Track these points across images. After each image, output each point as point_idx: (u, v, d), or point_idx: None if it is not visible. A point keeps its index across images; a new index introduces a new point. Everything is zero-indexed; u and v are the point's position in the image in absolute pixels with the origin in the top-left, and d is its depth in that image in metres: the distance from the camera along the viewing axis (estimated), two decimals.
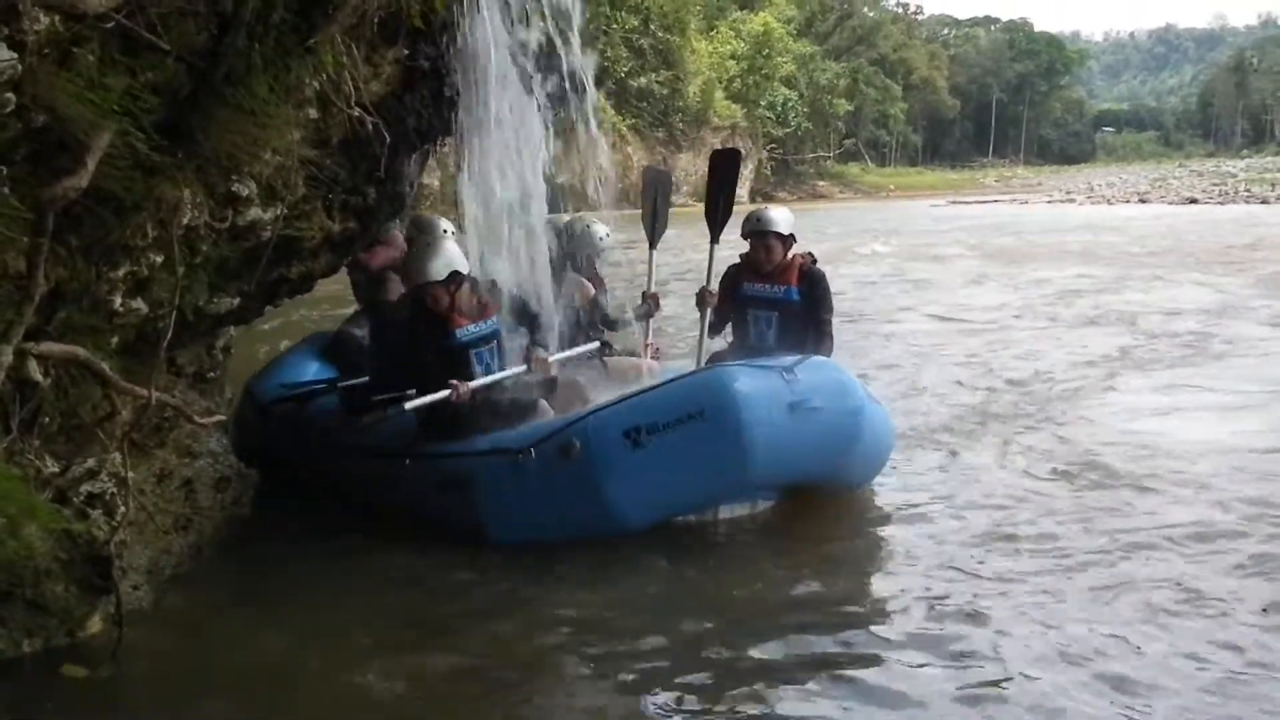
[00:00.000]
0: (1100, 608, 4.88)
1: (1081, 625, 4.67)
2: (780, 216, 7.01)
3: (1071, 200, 60.63)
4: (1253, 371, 10.35)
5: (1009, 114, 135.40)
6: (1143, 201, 56.56)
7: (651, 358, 6.99)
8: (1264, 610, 4.78)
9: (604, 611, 4.96)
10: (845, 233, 32.72)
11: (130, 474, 4.49)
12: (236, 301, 5.34)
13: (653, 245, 7.47)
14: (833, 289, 7.06)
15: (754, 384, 5.54)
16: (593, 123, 6.54)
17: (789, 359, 5.93)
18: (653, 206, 7.46)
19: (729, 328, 7.22)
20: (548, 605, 5.06)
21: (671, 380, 5.90)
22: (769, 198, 67.97)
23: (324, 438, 6.59)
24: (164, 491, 5.40)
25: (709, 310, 6.99)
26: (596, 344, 6.81)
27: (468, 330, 6.20)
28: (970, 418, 8.67)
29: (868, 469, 6.43)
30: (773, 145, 74.17)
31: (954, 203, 62.22)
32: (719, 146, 62.39)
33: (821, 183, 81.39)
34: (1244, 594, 4.98)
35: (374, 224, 6.36)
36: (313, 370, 7.36)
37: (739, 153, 7.90)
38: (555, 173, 6.50)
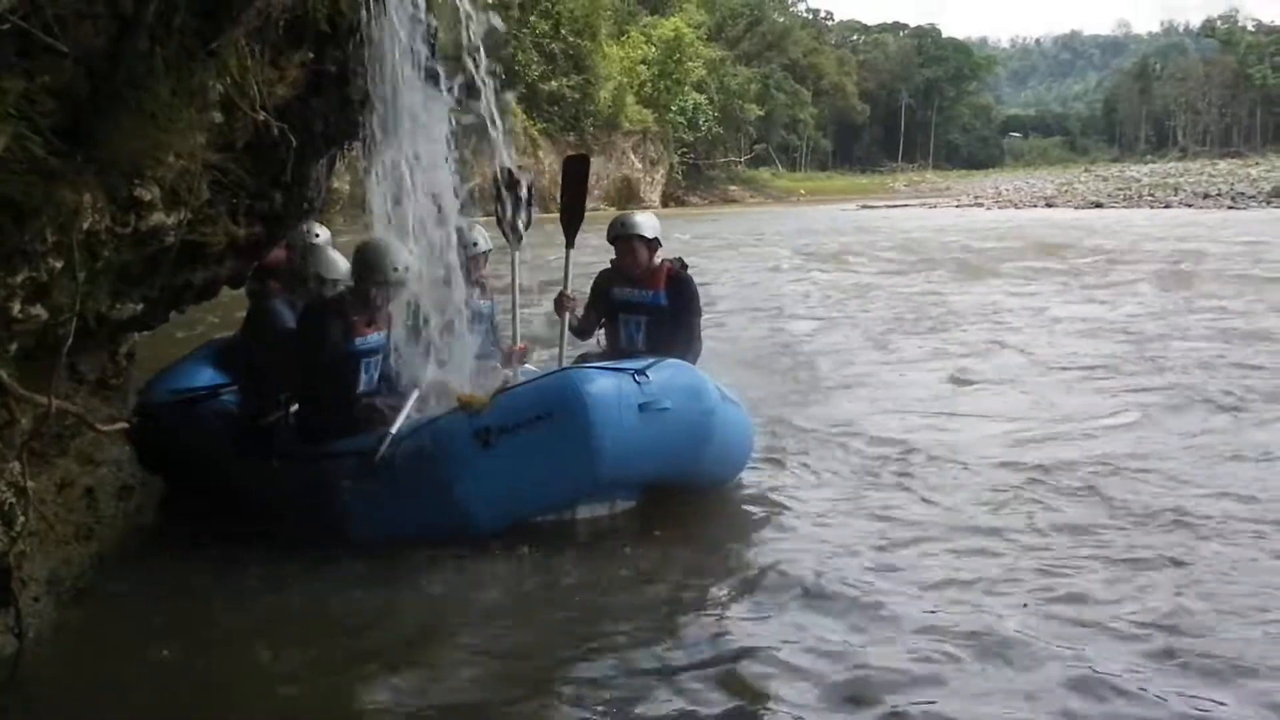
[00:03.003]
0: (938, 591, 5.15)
1: (926, 604, 4.94)
2: (644, 221, 7.13)
3: (979, 205, 61.61)
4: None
5: (917, 119, 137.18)
6: (1049, 206, 57.63)
7: (520, 360, 6.96)
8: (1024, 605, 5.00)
9: (497, 614, 5.06)
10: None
11: (30, 483, 4.41)
12: (140, 307, 5.26)
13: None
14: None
15: (603, 386, 5.64)
16: (499, 125, 6.53)
17: (642, 361, 6.06)
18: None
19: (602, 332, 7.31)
20: (442, 609, 5.14)
21: (525, 382, 6.03)
22: (680, 202, 68.58)
23: (205, 442, 6.62)
24: (65, 501, 5.31)
25: (567, 314, 7.05)
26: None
27: (365, 339, 6.26)
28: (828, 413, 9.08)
29: (725, 468, 6.56)
30: (684, 150, 74.67)
31: (864, 207, 62.94)
32: (630, 150, 62.36)
33: (733, 187, 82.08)
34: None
35: (280, 229, 6.31)
36: (206, 376, 7.36)
37: (588, 159, 7.94)
38: (466, 176, 6.50)
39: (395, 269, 6.15)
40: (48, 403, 4.22)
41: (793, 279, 21.61)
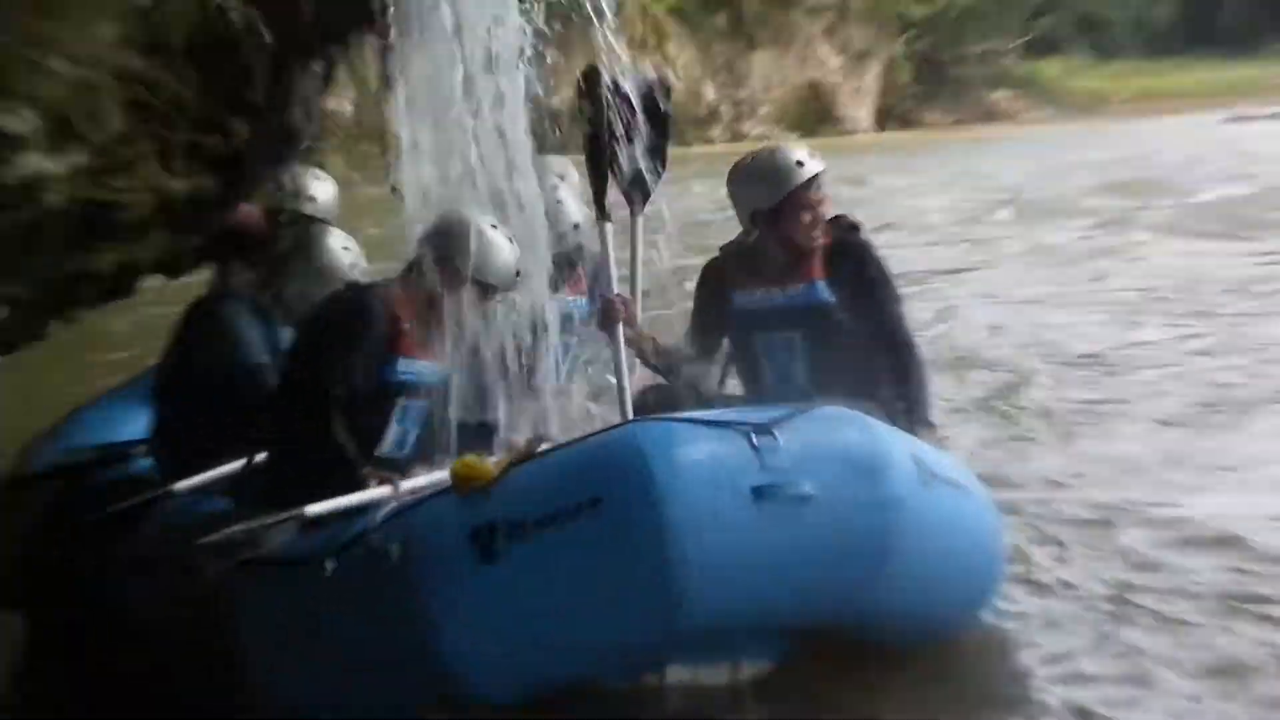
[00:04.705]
0: None
1: None
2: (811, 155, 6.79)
3: None
4: None
5: None
6: None
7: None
8: None
9: None
10: None
11: None
12: (4, 312, 5.31)
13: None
14: None
15: (691, 454, 5.09)
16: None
17: (771, 411, 5.54)
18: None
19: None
20: None
21: (557, 446, 5.59)
22: (907, 122, 68.28)
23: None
24: None
25: (620, 328, 6.70)
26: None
27: (413, 365, 6.21)
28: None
29: (935, 603, 5.91)
30: (913, 34, 74.29)
31: (1235, 119, 60.70)
32: (818, 38, 63.03)
33: (998, 95, 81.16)
34: None
35: (243, 179, 6.32)
36: (139, 423, 7.33)
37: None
38: (548, 94, 6.46)
39: (519, 273, 6.23)
40: None
41: None
